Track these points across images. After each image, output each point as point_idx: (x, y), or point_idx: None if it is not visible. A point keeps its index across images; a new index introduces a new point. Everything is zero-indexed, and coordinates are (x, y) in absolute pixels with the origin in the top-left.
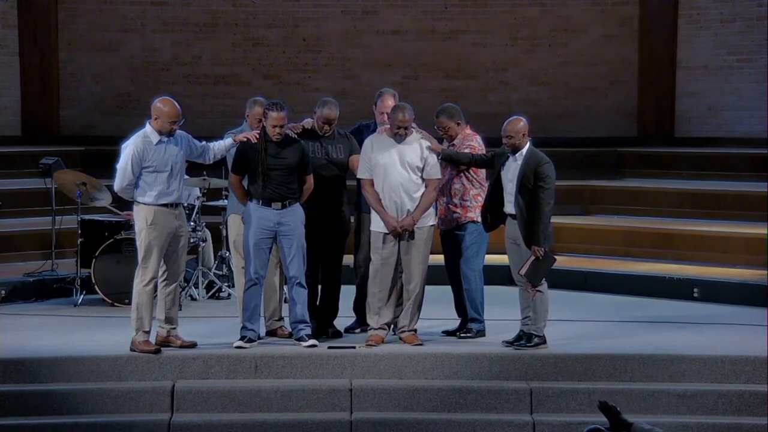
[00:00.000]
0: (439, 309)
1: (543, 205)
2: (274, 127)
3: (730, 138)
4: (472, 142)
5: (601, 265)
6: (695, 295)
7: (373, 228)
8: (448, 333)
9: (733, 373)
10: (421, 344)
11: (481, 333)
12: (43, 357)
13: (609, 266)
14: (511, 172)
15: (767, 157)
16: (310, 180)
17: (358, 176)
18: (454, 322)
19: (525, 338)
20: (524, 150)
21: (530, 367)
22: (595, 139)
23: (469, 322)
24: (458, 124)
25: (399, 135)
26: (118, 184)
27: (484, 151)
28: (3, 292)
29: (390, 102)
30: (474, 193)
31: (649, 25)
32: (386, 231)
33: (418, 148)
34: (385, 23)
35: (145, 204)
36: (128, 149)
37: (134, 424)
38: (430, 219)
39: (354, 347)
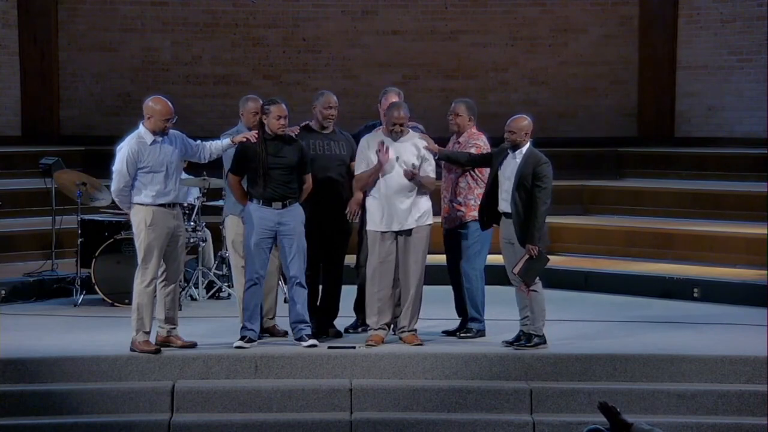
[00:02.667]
0: (439, 309)
1: (539, 205)
2: (279, 118)
3: (730, 138)
4: (478, 141)
5: (601, 265)
6: (695, 295)
7: (369, 227)
8: (448, 333)
9: (733, 373)
10: (421, 344)
11: (481, 333)
12: (43, 357)
13: (609, 266)
14: (509, 170)
15: (767, 157)
16: (309, 179)
17: (355, 173)
18: (455, 322)
19: (525, 338)
20: (524, 149)
21: (530, 367)
22: (595, 139)
23: (469, 321)
24: (470, 119)
25: (395, 132)
26: (114, 185)
27: (488, 150)
28: (3, 292)
29: (394, 100)
30: (478, 192)
31: (649, 25)
32: (383, 230)
33: (414, 147)
34: (385, 23)
35: (142, 205)
36: (123, 150)
37: (134, 424)
38: (427, 219)
39: (354, 347)
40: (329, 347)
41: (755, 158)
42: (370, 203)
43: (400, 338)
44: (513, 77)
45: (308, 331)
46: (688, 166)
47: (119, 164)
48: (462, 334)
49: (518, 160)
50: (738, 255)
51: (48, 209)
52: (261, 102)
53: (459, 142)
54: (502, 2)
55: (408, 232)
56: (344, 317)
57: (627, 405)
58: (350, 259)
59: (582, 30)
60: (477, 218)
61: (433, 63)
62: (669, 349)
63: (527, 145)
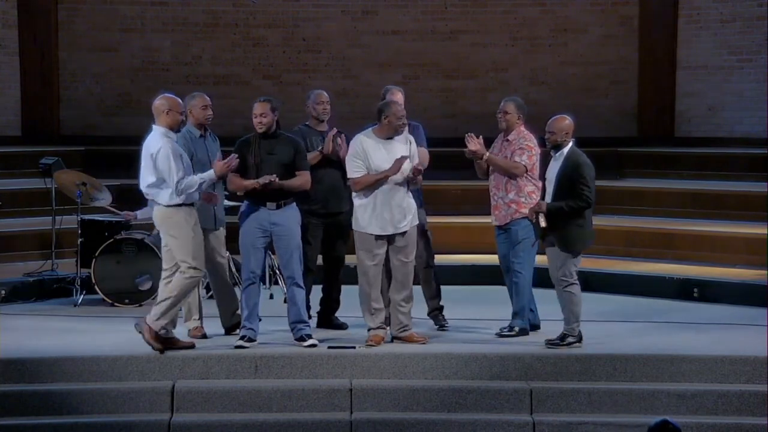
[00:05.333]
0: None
1: (578, 200)
2: (255, 117)
3: (730, 138)
4: (529, 142)
5: (601, 265)
6: (695, 295)
7: (361, 229)
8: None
9: (733, 373)
10: (425, 342)
11: (524, 331)
12: (43, 357)
13: (609, 266)
14: (551, 173)
15: (767, 157)
16: (304, 176)
17: (350, 176)
18: (457, 322)
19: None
20: (565, 150)
21: (530, 367)
22: (595, 139)
23: (512, 317)
24: (519, 117)
25: (401, 126)
26: (175, 180)
27: (539, 152)
28: (3, 292)
29: (398, 97)
30: (529, 189)
31: (649, 25)
32: (375, 233)
33: (404, 146)
34: (385, 23)
35: (186, 205)
36: (166, 148)
37: (134, 424)
38: (416, 218)
39: (354, 347)
40: (329, 347)
41: (755, 158)
42: (362, 204)
43: (401, 338)
44: (513, 77)
45: (308, 331)
46: (688, 166)
47: (170, 161)
48: (504, 333)
49: (560, 161)
50: (738, 255)
51: (48, 209)
52: (206, 97)
53: (508, 140)
54: (502, 2)
55: (402, 234)
56: (347, 316)
57: (627, 405)
58: (354, 259)
59: (582, 30)
60: (527, 215)
61: (433, 63)
62: (669, 349)
63: (569, 145)
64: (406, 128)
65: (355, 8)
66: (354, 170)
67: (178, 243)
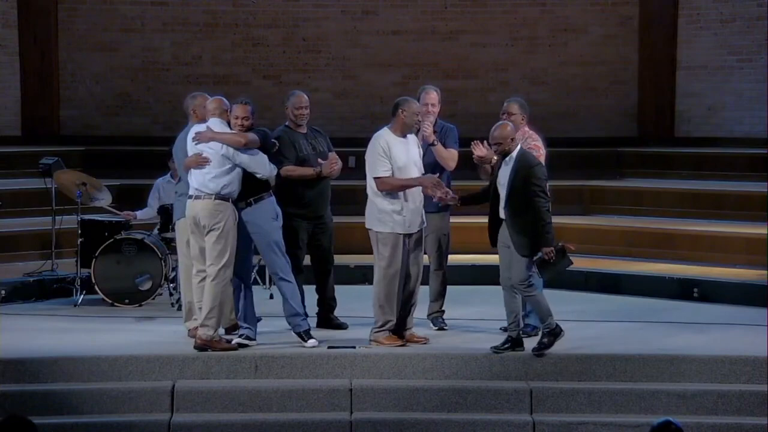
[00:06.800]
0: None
1: (539, 208)
2: (236, 118)
3: (730, 138)
4: (537, 142)
5: (601, 265)
6: (695, 295)
7: (391, 230)
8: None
9: (733, 373)
10: (426, 341)
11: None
12: (43, 357)
13: (609, 266)
14: (503, 177)
15: (767, 157)
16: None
17: (378, 175)
18: (457, 322)
19: (512, 343)
20: (514, 154)
21: (530, 367)
22: (595, 139)
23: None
24: (523, 117)
25: (416, 123)
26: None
27: (545, 151)
28: (3, 292)
29: (432, 97)
30: None
31: (649, 25)
32: (406, 232)
33: (416, 146)
34: (385, 23)
35: (232, 201)
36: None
37: (134, 424)
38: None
39: (354, 347)
40: (329, 347)
41: (755, 158)
42: (390, 208)
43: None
44: (513, 77)
45: (305, 326)
46: (687, 166)
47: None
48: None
49: (510, 165)
50: (738, 255)
51: (48, 209)
52: (207, 96)
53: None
54: (502, 2)
55: (420, 231)
56: (347, 316)
57: (627, 405)
58: (349, 259)
59: (582, 30)
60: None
61: (433, 63)
62: (669, 349)
63: (517, 149)
64: (433, 130)
65: (355, 8)
66: (382, 169)
67: (218, 236)
